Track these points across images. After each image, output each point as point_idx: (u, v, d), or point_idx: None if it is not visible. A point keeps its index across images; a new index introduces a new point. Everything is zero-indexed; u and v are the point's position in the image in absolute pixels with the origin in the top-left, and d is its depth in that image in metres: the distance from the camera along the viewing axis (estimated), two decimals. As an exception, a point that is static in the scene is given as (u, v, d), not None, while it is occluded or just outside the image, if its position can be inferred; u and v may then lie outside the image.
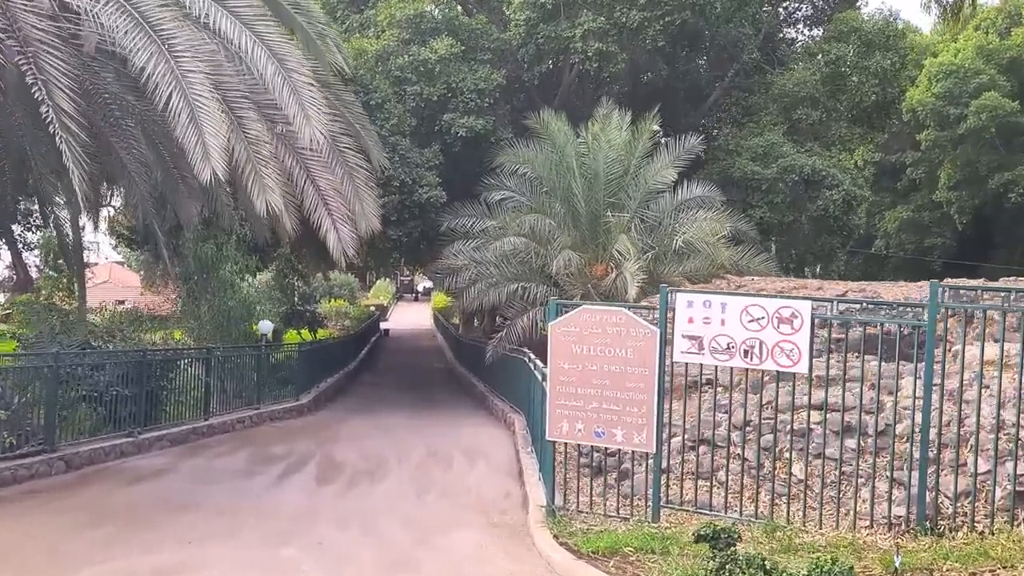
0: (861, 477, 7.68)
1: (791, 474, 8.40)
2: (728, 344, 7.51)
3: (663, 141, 19.68)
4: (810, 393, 7.63)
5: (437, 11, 21.74)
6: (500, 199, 19.43)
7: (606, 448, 8.95)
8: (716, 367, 7.86)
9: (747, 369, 7.77)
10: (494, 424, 17.72)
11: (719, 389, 10.25)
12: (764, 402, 9.24)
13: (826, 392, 8.36)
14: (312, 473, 11.40)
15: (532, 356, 13.27)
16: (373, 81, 19.21)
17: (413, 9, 20.63)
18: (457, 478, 11.25)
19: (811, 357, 7.30)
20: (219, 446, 13.67)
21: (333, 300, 54.43)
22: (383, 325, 51.36)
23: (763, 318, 7.39)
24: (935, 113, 28.50)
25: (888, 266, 38.66)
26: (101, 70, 13.40)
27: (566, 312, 8.22)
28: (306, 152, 10.33)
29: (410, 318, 62.61)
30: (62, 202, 31.07)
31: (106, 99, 14.14)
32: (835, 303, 7.52)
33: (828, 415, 8.33)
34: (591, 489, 8.73)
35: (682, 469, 9.20)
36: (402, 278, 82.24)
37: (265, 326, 17.96)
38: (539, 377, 11.00)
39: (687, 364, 7.89)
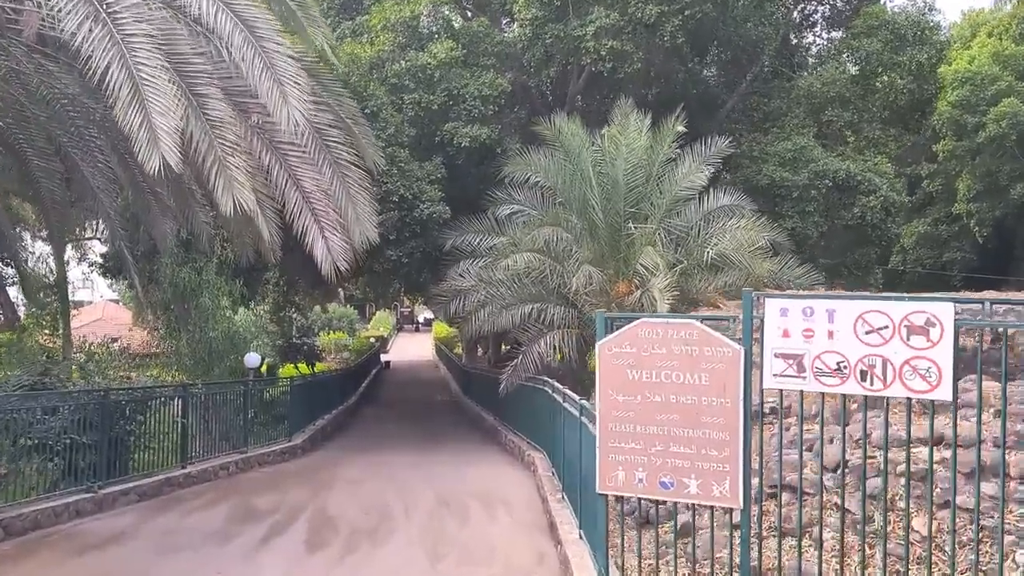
0: (1009, 534, 5.84)
1: (911, 530, 6.54)
2: (839, 364, 5.67)
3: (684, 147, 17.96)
4: (955, 425, 5.77)
5: (436, 12, 20.08)
6: (509, 213, 17.72)
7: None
8: (823, 395, 6.00)
9: (865, 396, 5.92)
10: (510, 463, 15.80)
11: (791, 420, 8.45)
12: (857, 435, 7.41)
13: (954, 420, 6.52)
14: (301, 534, 9.49)
15: (557, 385, 11.43)
16: (368, 88, 17.54)
17: (410, 11, 19.02)
18: (476, 535, 9.35)
19: (955, 379, 5.47)
20: (196, 499, 11.76)
21: (332, 333, 52.78)
22: (384, 357, 49.58)
23: (886, 328, 5.55)
24: (952, 122, 26.95)
25: (903, 282, 37.06)
26: (55, 68, 11.72)
27: (619, 327, 6.39)
28: (287, 147, 8.58)
29: (411, 349, 60.86)
30: (23, 233, 29.29)
31: (64, 104, 12.46)
32: (988, 304, 5.68)
33: (952, 451, 6.48)
34: (640, 547, 6.86)
35: (761, 523, 7.32)
36: (402, 309, 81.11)
37: (251, 359, 16.09)
38: (570, 410, 9.14)
39: (781, 391, 6.05)
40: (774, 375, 5.90)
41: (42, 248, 35.77)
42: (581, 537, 7.99)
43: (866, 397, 5.88)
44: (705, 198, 16.97)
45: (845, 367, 5.65)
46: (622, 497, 6.52)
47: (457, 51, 18.97)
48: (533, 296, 16.42)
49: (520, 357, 15.68)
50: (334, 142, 8.97)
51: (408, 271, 20.37)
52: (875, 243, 20.59)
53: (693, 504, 6.25)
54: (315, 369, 33.54)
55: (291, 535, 9.43)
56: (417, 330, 79.15)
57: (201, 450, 14.00)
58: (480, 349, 38.11)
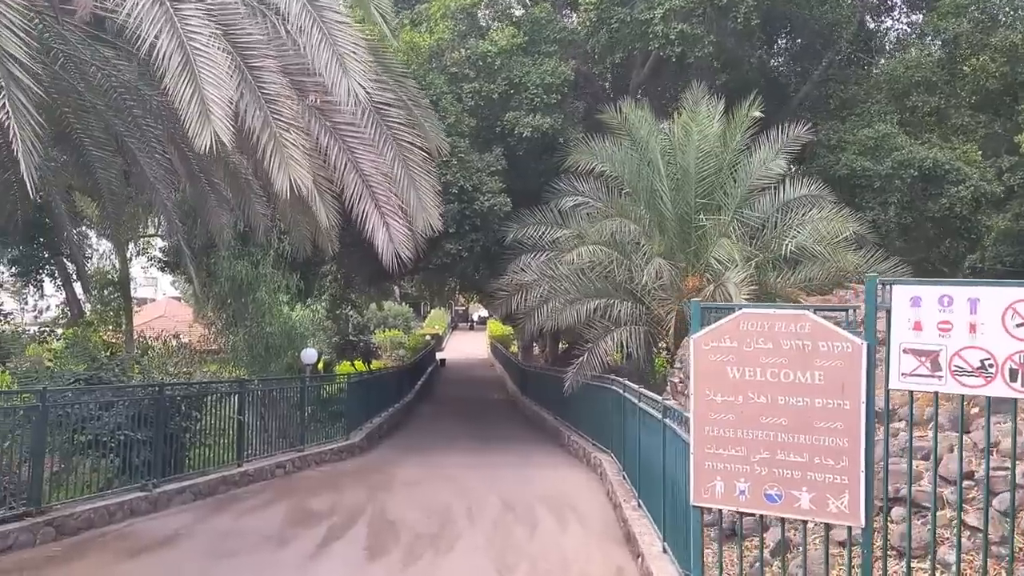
0: None
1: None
2: (983, 362, 4.86)
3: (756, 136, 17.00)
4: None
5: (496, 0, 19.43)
6: (573, 205, 16.97)
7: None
8: (963, 396, 5.18)
9: (1015, 400, 5.08)
10: (574, 465, 15.12)
11: (897, 425, 7.60)
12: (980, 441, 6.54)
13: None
14: (360, 539, 8.95)
15: (631, 385, 10.70)
16: (427, 78, 17.00)
17: (470, -1, 18.46)
18: (547, 544, 8.69)
19: None
20: (252, 498, 11.34)
21: (387, 330, 52.70)
22: (439, 355, 49.26)
23: (1044, 319, 4.74)
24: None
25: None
26: (111, 54, 11.41)
27: (716, 319, 5.66)
28: (346, 128, 8.02)
29: (466, 347, 60.52)
30: (88, 231, 29.46)
31: (121, 93, 12.16)
32: None
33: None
34: (742, 567, 6.10)
35: (872, 540, 6.49)
36: (457, 307, 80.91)
37: (308, 355, 15.68)
38: (650, 412, 8.41)
39: (911, 393, 5.26)
40: (902, 374, 5.11)
41: (107, 245, 36.22)
42: (665, 551, 7.27)
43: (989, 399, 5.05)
44: (781, 188, 16.02)
45: (991, 365, 4.85)
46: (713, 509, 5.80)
47: (519, 38, 18.32)
48: (598, 291, 15.69)
49: (585, 355, 14.96)
50: (395, 123, 8.38)
51: (467, 266, 19.80)
52: (964, 236, 19.32)
53: (804, 520, 5.46)
54: (371, 366, 33.33)
55: (350, 540, 8.89)
56: (471, 328, 78.93)
57: (257, 448, 13.63)
58: (537, 347, 37.44)
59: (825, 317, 5.35)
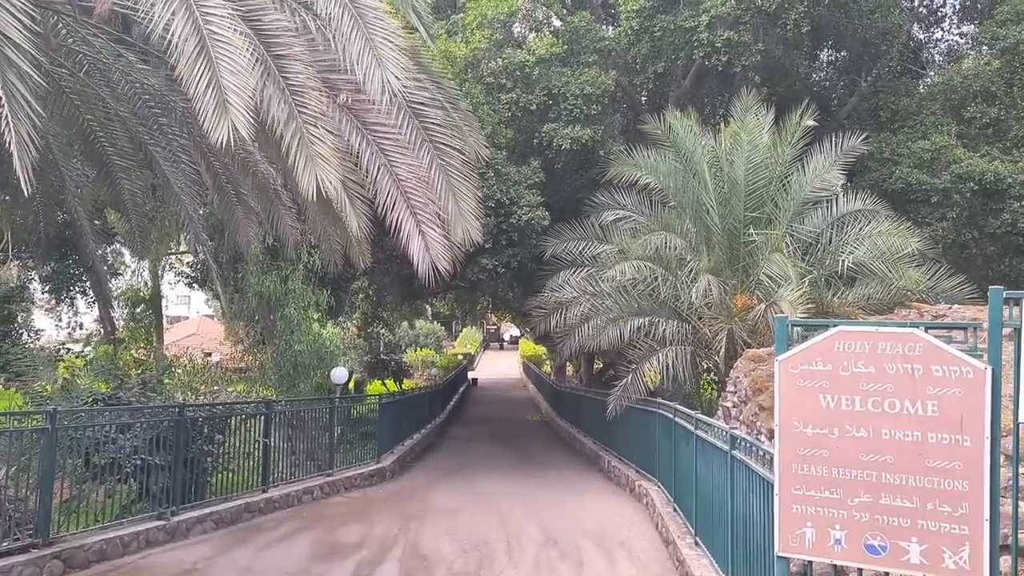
0: None
1: None
2: None
3: (806, 148, 16.15)
4: None
5: (535, 9, 18.81)
6: (614, 219, 16.23)
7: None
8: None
9: None
10: (618, 493, 14.27)
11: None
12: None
13: None
14: (392, 577, 8.21)
15: (685, 410, 9.90)
16: (463, 87, 16.41)
17: (507, 7, 17.84)
18: (596, 587, 7.89)
19: None
20: (276, 528, 10.66)
21: (419, 349, 52.21)
22: (471, 374, 48.60)
23: None
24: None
25: None
26: (134, 59, 10.95)
27: (808, 338, 4.88)
28: (379, 128, 7.37)
29: (498, 367, 59.83)
30: (117, 248, 29.23)
31: (145, 100, 11.70)
32: None
33: None
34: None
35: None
36: (488, 326, 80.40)
37: (339, 374, 15.03)
38: (713, 442, 7.59)
39: (1046, 428, 4.43)
40: (1037, 405, 4.30)
41: (141, 262, 36.17)
42: (734, 600, 6.45)
43: None
44: (834, 202, 15.16)
45: None
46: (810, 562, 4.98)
47: (557, 47, 17.68)
48: (641, 309, 14.88)
49: (629, 376, 14.14)
50: (432, 124, 7.71)
51: (501, 282, 19.11)
52: (1027, 253, 18.27)
53: (912, 577, 4.63)
54: (402, 386, 32.74)
55: (380, 579, 8.16)
56: (502, 347, 78.41)
57: (284, 472, 12.99)
58: (570, 367, 36.60)
59: (936, 336, 4.55)
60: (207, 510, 10.40)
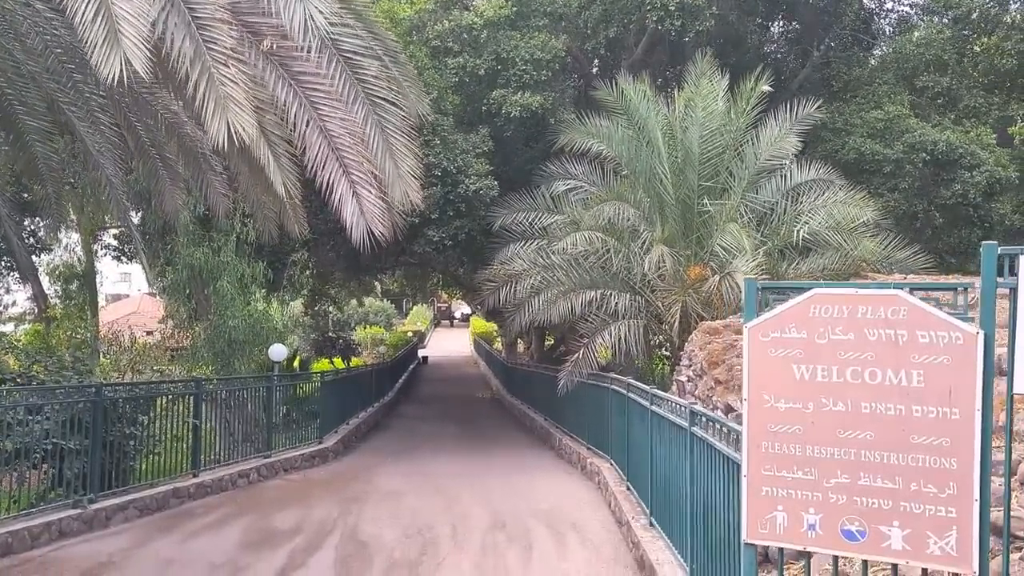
0: None
1: None
2: None
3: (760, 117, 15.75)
4: None
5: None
6: (566, 190, 15.70)
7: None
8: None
9: None
10: (569, 472, 13.84)
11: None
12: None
13: None
14: (326, 567, 7.62)
15: (640, 385, 9.46)
16: (407, 49, 15.62)
17: (454, -34, 17.09)
18: (546, 573, 7.40)
19: None
20: (206, 514, 9.97)
21: (369, 327, 51.38)
22: (421, 352, 47.94)
23: None
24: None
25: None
26: (42, 6, 10.02)
27: (780, 301, 4.38)
28: (309, 79, 6.66)
29: (449, 344, 59.24)
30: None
31: (58, 55, 10.75)
32: None
33: None
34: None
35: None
36: (439, 304, 79.82)
37: (277, 352, 14.28)
38: (672, 419, 7.12)
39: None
40: (1035, 374, 3.87)
41: (75, 237, 34.69)
42: (692, 589, 6.00)
43: None
44: (789, 172, 14.85)
45: None
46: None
47: (506, 9, 16.97)
48: (594, 282, 14.41)
49: (581, 351, 13.65)
50: (368, 75, 7.03)
51: (450, 256, 18.47)
52: (977, 224, 18.18)
53: (894, 564, 4.20)
54: (350, 364, 31.97)
55: (313, 568, 7.56)
56: (452, 325, 78.01)
57: (218, 455, 12.32)
58: (522, 344, 36.19)
59: (924, 298, 4.09)
60: (130, 497, 9.67)
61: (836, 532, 4.21)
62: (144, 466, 10.50)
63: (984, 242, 3.94)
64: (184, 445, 11.28)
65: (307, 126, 6.74)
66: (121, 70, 4.52)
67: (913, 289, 4.11)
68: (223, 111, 5.13)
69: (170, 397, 11.13)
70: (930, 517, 4.00)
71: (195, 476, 11.12)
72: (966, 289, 4.06)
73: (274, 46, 6.65)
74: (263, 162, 6.13)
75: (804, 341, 4.26)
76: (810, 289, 4.30)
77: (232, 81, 5.24)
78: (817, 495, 4.24)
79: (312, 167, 6.80)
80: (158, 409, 10.84)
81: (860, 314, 4.13)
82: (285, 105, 6.75)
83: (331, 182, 6.83)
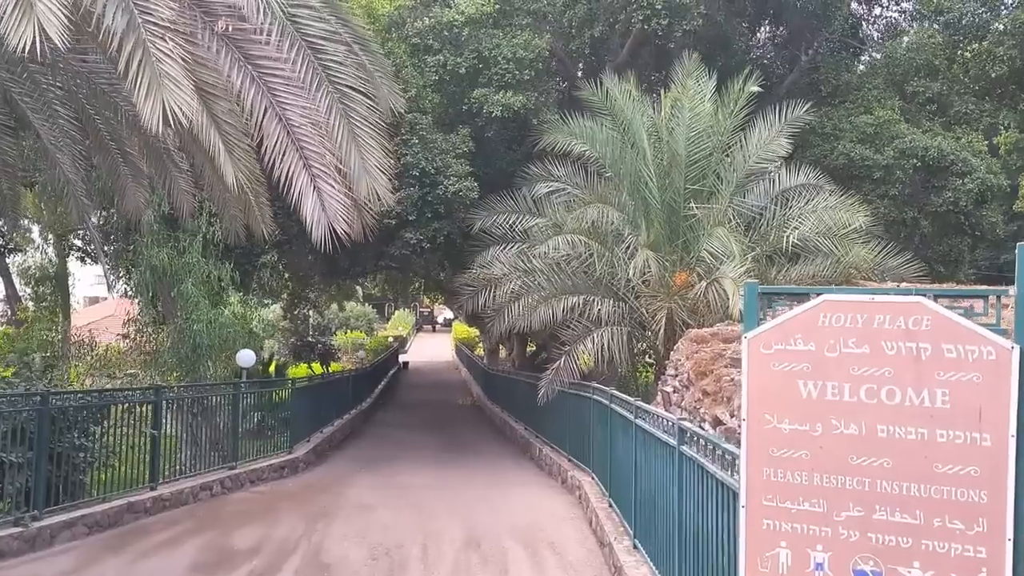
0: None
1: None
2: None
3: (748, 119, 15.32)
4: None
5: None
6: (548, 192, 15.19)
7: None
8: None
9: None
10: (550, 485, 13.31)
11: None
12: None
13: None
14: (284, 594, 7.04)
15: (623, 397, 8.95)
16: (386, 46, 15.08)
17: (435, -39, 16.56)
18: (521, 601, 6.86)
19: None
20: (162, 532, 9.35)
21: (350, 332, 50.67)
22: (402, 357, 47.24)
23: None
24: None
25: (1004, 283, 33.87)
26: None
27: (782, 310, 3.88)
28: (266, 64, 6.13)
29: (431, 350, 58.64)
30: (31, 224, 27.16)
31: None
32: None
33: None
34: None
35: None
36: (421, 309, 79.32)
37: (245, 357, 13.65)
38: (659, 436, 6.60)
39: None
40: (1076, 394, 3.38)
41: (46, 238, 33.94)
42: (682, 623, 5.47)
43: None
44: (778, 176, 14.43)
45: None
46: None
47: (489, 7, 16.46)
48: (576, 287, 13.90)
49: (562, 359, 13.13)
50: (333, 62, 6.49)
51: (430, 260, 17.91)
52: (967, 232, 17.83)
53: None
54: (329, 369, 31.28)
55: (271, 596, 6.98)
56: (435, 330, 77.35)
57: (178, 466, 11.67)
58: (503, 350, 35.63)
59: (950, 306, 3.60)
60: (79, 512, 9.02)
61: (847, 573, 3.71)
62: (97, 479, 9.86)
63: (1020, 243, 3.46)
64: (142, 456, 10.64)
65: (265, 114, 6.20)
66: (35, 38, 3.96)
67: (937, 296, 3.62)
68: (158, 89, 4.57)
69: (126, 406, 10.48)
70: (956, 557, 3.52)
71: (153, 490, 10.48)
72: (999, 297, 3.57)
73: (230, 28, 6.10)
74: (212, 152, 5.58)
75: (812, 354, 3.76)
76: (821, 295, 3.80)
77: (169, 57, 4.68)
78: (826, 530, 3.74)
79: (270, 159, 6.26)
80: (113, 419, 10.19)
81: (876, 324, 3.64)
82: (242, 92, 6.18)
83: (290, 174, 6.29)
